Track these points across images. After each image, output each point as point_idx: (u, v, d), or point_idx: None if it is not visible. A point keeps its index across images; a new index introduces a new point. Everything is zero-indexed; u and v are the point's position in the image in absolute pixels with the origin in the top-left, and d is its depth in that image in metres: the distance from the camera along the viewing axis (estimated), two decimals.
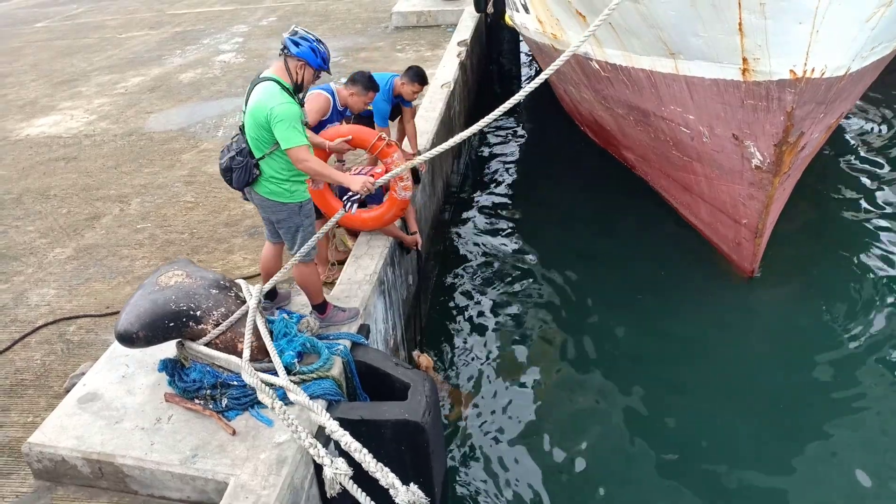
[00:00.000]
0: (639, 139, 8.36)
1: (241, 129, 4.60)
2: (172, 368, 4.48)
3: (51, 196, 8.33)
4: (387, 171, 5.86)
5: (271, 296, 5.31)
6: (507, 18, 11.77)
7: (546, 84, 13.04)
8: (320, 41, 4.57)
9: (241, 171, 4.48)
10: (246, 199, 4.92)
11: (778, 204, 6.82)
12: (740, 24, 5.41)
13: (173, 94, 11.70)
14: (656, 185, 8.91)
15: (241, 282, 4.66)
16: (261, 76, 4.57)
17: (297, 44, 4.47)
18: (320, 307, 5.04)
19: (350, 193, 5.08)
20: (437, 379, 6.29)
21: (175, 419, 4.31)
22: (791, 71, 5.43)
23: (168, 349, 4.61)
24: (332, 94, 5.89)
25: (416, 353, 6.46)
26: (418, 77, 6.78)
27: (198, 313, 4.27)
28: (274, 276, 4.85)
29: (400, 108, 7.13)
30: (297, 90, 4.56)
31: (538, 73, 13.91)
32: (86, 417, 4.40)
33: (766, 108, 5.85)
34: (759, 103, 5.87)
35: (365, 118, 6.68)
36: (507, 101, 4.58)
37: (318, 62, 4.52)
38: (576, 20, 7.42)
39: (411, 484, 3.59)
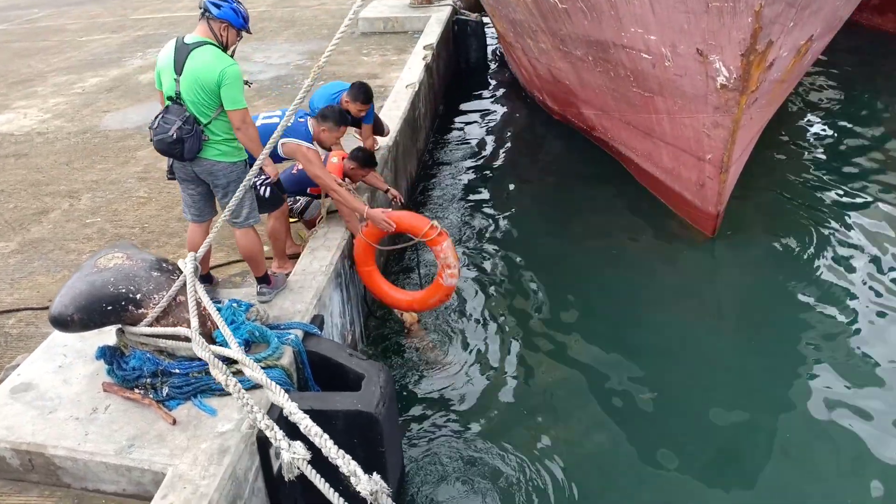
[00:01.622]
0: (598, 85, 8.19)
1: (174, 98, 4.46)
2: (111, 356, 4.25)
3: None
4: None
5: (208, 280, 5.16)
6: None
7: (505, 63, 12.94)
8: (239, 2, 4.63)
9: (193, 139, 4.39)
10: (171, 178, 4.82)
11: (745, 133, 6.58)
12: None
13: (132, 93, 11.43)
14: (616, 141, 8.77)
15: (180, 261, 4.44)
16: (186, 41, 4.55)
17: (218, 6, 4.54)
18: (265, 278, 4.98)
19: (264, 177, 5.25)
20: (420, 334, 6.38)
21: (112, 409, 4.08)
22: None
23: (108, 338, 4.38)
24: (309, 137, 5.62)
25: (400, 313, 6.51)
26: (362, 94, 6.59)
27: (137, 296, 4.05)
28: (206, 240, 4.56)
29: (359, 122, 6.98)
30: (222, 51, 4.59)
31: (502, 58, 13.96)
32: (17, 407, 4.15)
33: (732, 9, 5.55)
34: (725, 4, 5.56)
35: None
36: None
37: (240, 22, 4.61)
38: None
39: (373, 473, 3.37)
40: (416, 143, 9.78)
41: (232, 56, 4.58)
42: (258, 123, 5.60)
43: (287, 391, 4.21)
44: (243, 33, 4.68)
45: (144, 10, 18.89)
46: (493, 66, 14.70)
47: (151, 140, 4.58)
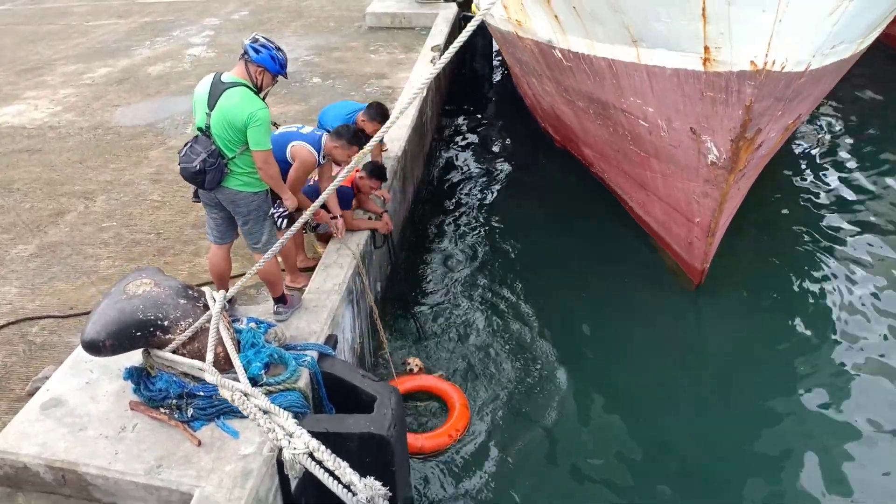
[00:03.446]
0: (598, 134, 8.44)
1: (202, 130, 4.67)
2: (138, 377, 4.48)
3: (13, 189, 8.19)
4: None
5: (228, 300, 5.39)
6: (473, 7, 11.75)
7: (511, 82, 13.16)
8: (279, 49, 4.85)
9: (215, 171, 4.62)
10: (196, 201, 5.05)
11: (732, 203, 6.90)
12: (704, 9, 5.42)
13: (141, 86, 11.55)
14: (613, 183, 9.03)
15: (206, 289, 4.67)
16: (223, 80, 4.73)
17: (257, 51, 4.73)
18: (282, 298, 5.25)
19: (282, 209, 5.56)
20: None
21: (140, 428, 4.32)
22: (752, 62, 5.48)
23: (133, 356, 4.60)
24: (319, 147, 5.79)
25: (408, 358, 6.77)
26: (380, 115, 6.65)
27: (165, 323, 4.27)
28: (240, 281, 4.82)
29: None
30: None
31: (504, 67, 14.04)
32: (49, 424, 4.38)
33: (724, 100, 5.88)
34: (718, 95, 5.89)
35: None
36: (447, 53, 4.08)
37: (277, 68, 4.81)
38: (541, 6, 7.44)
39: (369, 478, 3.57)
40: (423, 147, 9.97)
41: (264, 98, 4.77)
42: (277, 132, 5.81)
43: (304, 414, 4.47)
44: (279, 77, 4.88)
45: None
46: (497, 75, 14.74)
47: (179, 165, 4.80)
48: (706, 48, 5.71)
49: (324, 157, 5.88)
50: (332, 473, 3.53)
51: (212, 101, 4.62)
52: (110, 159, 8.89)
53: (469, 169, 11.05)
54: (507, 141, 12.15)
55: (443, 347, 7.18)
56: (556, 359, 6.94)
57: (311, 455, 3.64)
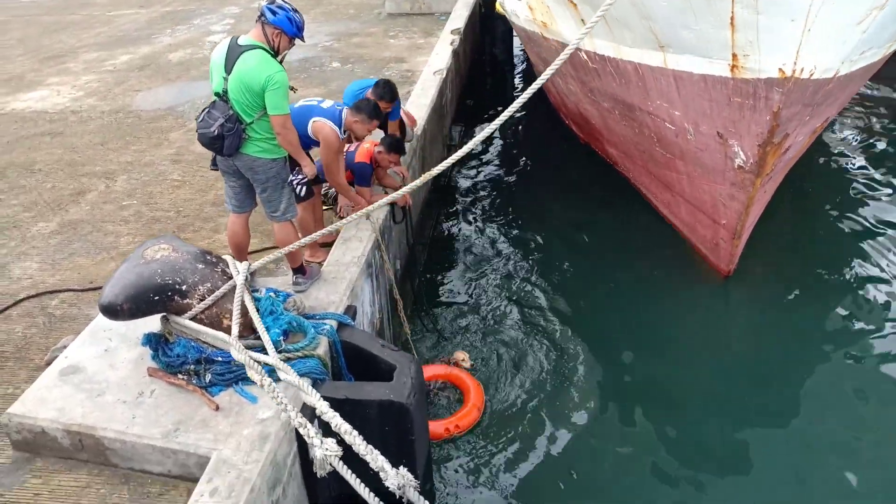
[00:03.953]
0: (623, 134, 8.37)
1: (220, 95, 4.61)
2: (156, 343, 4.44)
3: (35, 171, 8.23)
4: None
5: None
6: (497, 6, 11.73)
7: (534, 75, 13.07)
8: (296, 10, 4.76)
9: (233, 136, 4.55)
10: (214, 169, 4.99)
11: (758, 206, 6.85)
12: (732, 17, 5.40)
13: (162, 72, 11.58)
14: (638, 182, 8.94)
15: (228, 258, 4.62)
16: (240, 42, 4.66)
17: (274, 12, 4.65)
18: (301, 269, 5.17)
19: (301, 176, 5.51)
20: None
21: (158, 393, 4.28)
22: (780, 69, 5.44)
23: (151, 324, 4.57)
24: (340, 122, 5.71)
25: (456, 352, 6.66)
26: (388, 92, 6.54)
27: (183, 287, 4.23)
28: (267, 257, 4.82)
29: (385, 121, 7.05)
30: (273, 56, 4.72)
31: (528, 62, 13.91)
32: (67, 390, 4.35)
33: (752, 106, 5.86)
34: (745, 101, 5.88)
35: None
36: (498, 119, 4.51)
37: (294, 31, 4.73)
38: (566, 8, 7.39)
39: (401, 467, 3.54)
40: (442, 129, 9.88)
41: (281, 62, 4.70)
42: (297, 105, 5.76)
43: (322, 381, 4.42)
44: (296, 41, 4.81)
45: None
46: (517, 64, 14.55)
47: (197, 131, 4.75)
48: (734, 55, 5.66)
49: (344, 132, 5.82)
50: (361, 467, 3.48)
51: (229, 65, 4.56)
52: (131, 141, 8.90)
53: (489, 156, 10.95)
54: (529, 131, 12.03)
55: (461, 333, 7.09)
56: (579, 349, 6.80)
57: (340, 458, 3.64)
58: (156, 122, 9.49)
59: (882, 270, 7.53)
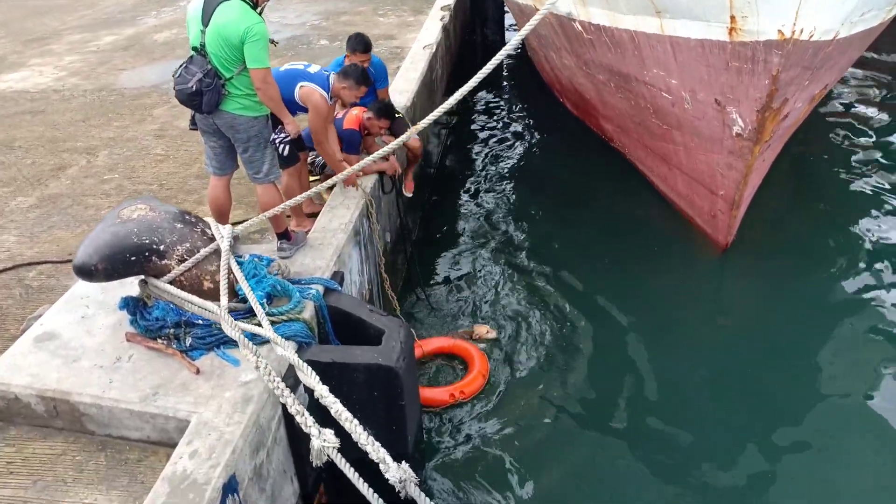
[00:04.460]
0: (618, 107, 8.23)
1: (198, 49, 4.43)
2: (134, 307, 4.27)
3: (15, 147, 8.01)
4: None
5: None
6: None
7: (527, 55, 12.91)
8: None
9: (212, 92, 4.36)
10: (193, 128, 4.80)
11: (757, 175, 6.72)
12: None
13: (147, 52, 11.37)
14: (633, 157, 8.80)
15: (210, 220, 4.45)
16: None
17: None
18: (286, 234, 4.99)
19: (283, 134, 5.27)
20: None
21: (136, 358, 4.11)
22: (779, 31, 5.29)
23: (131, 289, 4.40)
24: (328, 88, 5.52)
25: (475, 326, 6.59)
26: (361, 44, 6.31)
27: (161, 248, 4.06)
28: (251, 220, 4.64)
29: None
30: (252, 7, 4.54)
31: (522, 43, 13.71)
32: (42, 356, 4.18)
33: (751, 70, 5.71)
34: (744, 66, 5.73)
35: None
36: (488, 63, 4.28)
37: None
38: None
39: (402, 462, 3.33)
40: (433, 105, 9.68)
41: (261, 13, 4.52)
42: (283, 68, 5.58)
43: (308, 345, 4.25)
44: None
45: None
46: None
47: (174, 88, 4.57)
48: (732, 18, 5.51)
49: (331, 99, 5.64)
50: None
51: (206, 17, 4.38)
52: (114, 118, 8.70)
53: (483, 134, 10.78)
54: (523, 110, 11.85)
55: (455, 308, 6.94)
56: (576, 325, 6.65)
57: (339, 449, 3.41)
58: (140, 98, 9.28)
59: (881, 241, 7.40)
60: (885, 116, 10.14)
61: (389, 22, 11.88)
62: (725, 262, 7.33)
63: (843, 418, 5.48)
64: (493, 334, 6.48)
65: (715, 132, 6.51)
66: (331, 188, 6.24)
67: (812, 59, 5.54)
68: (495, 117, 11.47)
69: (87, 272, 3.95)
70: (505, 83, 13.19)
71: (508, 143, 10.57)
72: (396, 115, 6.99)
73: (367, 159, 4.67)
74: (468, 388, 5.83)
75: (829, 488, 4.92)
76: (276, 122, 5.09)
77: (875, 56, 11.32)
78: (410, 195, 7.17)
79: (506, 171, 9.75)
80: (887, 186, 8.34)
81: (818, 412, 5.59)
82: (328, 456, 3.42)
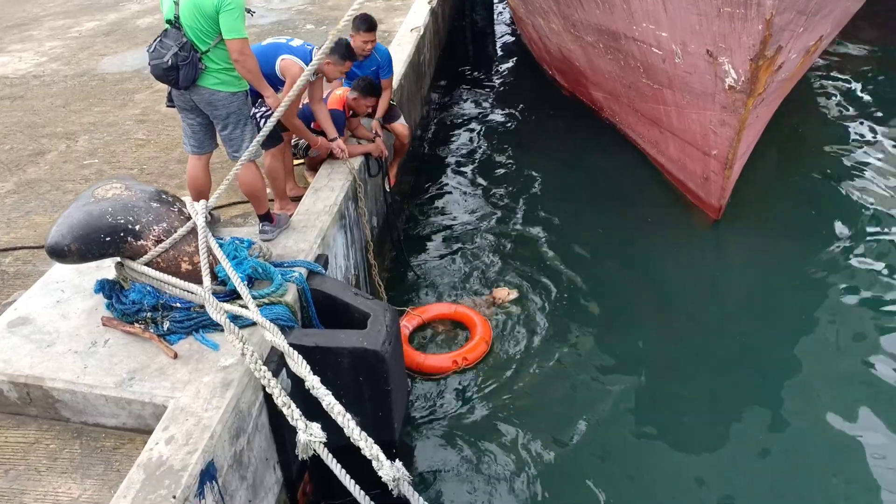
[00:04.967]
0: (608, 71, 8.08)
1: (172, 22, 4.27)
2: (110, 290, 4.13)
3: None
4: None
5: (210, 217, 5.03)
6: None
7: (516, 34, 12.65)
8: None
9: (188, 66, 4.20)
10: (171, 105, 4.64)
11: (751, 131, 6.55)
12: None
13: (129, 37, 11.15)
14: (624, 125, 8.68)
15: (186, 198, 4.31)
16: None
17: None
18: (268, 216, 4.83)
19: (264, 108, 5.13)
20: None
21: (112, 343, 3.98)
22: None
23: (107, 273, 4.26)
24: (309, 61, 5.33)
25: (496, 289, 6.56)
26: (365, 23, 6.18)
27: (136, 227, 3.91)
28: (218, 189, 4.45)
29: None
30: None
31: (512, 22, 13.61)
32: (14, 341, 4.05)
33: (743, 16, 5.53)
34: (736, 10, 5.55)
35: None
36: None
37: None
38: None
39: (396, 460, 3.18)
40: (421, 89, 9.56)
41: None
42: (265, 43, 5.42)
43: (291, 328, 4.13)
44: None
45: None
46: (499, 29, 14.24)
47: (149, 63, 4.42)
48: None
49: (314, 74, 5.49)
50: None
51: None
52: (94, 103, 8.51)
53: (472, 112, 10.63)
54: (512, 85, 11.71)
55: (445, 291, 6.81)
56: (568, 300, 6.53)
57: (325, 444, 3.21)
58: (121, 83, 9.09)
59: (874, 211, 7.31)
60: (875, 89, 10.06)
61: (376, 6, 11.68)
62: (718, 235, 7.24)
63: (840, 386, 5.40)
64: (514, 294, 6.45)
65: (707, 87, 6.35)
66: (315, 171, 6.12)
67: (806, 2, 5.38)
68: (484, 95, 11.32)
69: (60, 253, 3.81)
70: (495, 62, 13.05)
71: (497, 119, 10.43)
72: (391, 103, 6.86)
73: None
74: (471, 355, 5.78)
75: (821, 452, 4.89)
76: (255, 98, 4.93)
77: (869, 27, 11.23)
78: (388, 189, 6.93)
79: (496, 147, 9.62)
80: (881, 156, 8.26)
81: (814, 382, 5.50)
82: (314, 451, 3.27)
